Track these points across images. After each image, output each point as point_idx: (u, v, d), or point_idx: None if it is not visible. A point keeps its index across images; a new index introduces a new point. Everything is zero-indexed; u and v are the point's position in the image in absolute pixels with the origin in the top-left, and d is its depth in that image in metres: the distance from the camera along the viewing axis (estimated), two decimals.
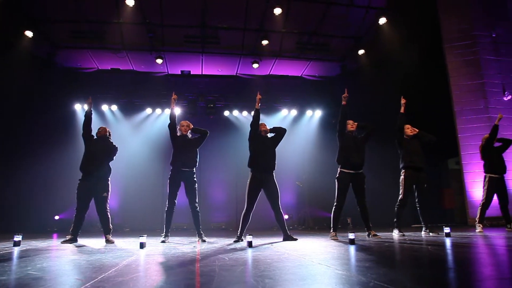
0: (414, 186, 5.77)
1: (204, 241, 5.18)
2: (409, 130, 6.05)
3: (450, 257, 3.03)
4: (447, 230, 4.81)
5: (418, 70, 9.25)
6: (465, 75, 8.88)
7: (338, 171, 5.40)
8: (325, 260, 2.84)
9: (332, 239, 5.04)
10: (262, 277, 2.11)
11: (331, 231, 5.31)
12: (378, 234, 5.37)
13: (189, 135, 5.68)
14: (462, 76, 8.91)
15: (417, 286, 1.83)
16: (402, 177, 5.77)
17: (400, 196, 5.72)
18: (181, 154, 5.39)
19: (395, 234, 5.58)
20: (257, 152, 5.31)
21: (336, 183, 5.36)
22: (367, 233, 5.38)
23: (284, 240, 5.11)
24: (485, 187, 6.29)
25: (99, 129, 5.61)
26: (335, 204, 5.34)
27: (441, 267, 2.48)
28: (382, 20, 8.54)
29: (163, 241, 5.04)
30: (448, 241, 4.27)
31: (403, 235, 5.38)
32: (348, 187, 5.36)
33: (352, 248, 3.76)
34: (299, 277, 2.11)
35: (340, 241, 4.82)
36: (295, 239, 5.11)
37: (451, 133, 8.84)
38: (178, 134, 5.58)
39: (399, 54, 9.16)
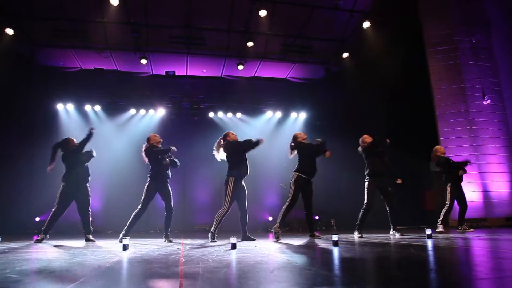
0: (378, 191, 6.05)
1: (170, 241, 5.55)
2: (368, 139, 6.34)
3: (431, 258, 3.09)
4: (428, 231, 4.90)
5: (401, 73, 9.40)
6: (446, 79, 9.08)
7: (296, 175, 5.77)
8: (309, 262, 2.86)
9: (274, 232, 5.55)
10: (246, 279, 2.11)
11: (277, 226, 5.63)
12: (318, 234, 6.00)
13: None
14: (443, 80, 9.10)
15: (398, 287, 1.86)
16: (366, 183, 6.03)
17: (366, 201, 5.95)
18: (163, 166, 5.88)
19: (356, 236, 5.76)
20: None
21: (293, 185, 5.74)
22: (309, 234, 5.91)
23: (243, 240, 5.50)
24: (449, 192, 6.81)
25: (69, 141, 5.96)
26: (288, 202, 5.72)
27: (422, 268, 2.53)
28: (366, 24, 8.65)
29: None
30: (429, 242, 4.35)
31: (362, 237, 5.61)
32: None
33: (335, 250, 3.79)
34: (283, 279, 2.12)
35: (324, 243, 4.86)
36: (254, 239, 5.51)
37: (433, 136, 9.01)
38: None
39: (383, 58, 9.31)
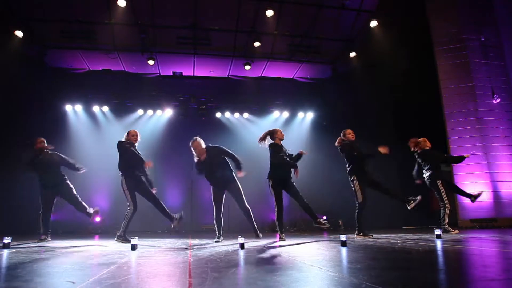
0: (368, 186, 5.91)
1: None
2: (351, 135, 6.14)
3: (440, 258, 3.07)
4: (437, 231, 4.85)
5: (409, 72, 9.34)
6: (455, 78, 9.00)
7: (271, 182, 5.87)
8: (317, 262, 2.85)
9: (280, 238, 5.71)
10: (255, 279, 2.11)
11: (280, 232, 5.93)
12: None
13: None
14: (452, 79, 9.03)
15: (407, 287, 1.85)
16: (355, 182, 5.82)
17: (359, 200, 5.81)
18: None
19: (359, 237, 5.68)
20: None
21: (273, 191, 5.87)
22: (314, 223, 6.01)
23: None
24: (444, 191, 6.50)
25: (41, 145, 6.23)
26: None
27: (432, 268, 2.51)
28: (373, 23, 8.61)
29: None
30: (439, 243, 4.31)
31: (372, 237, 5.58)
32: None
33: (344, 250, 3.78)
34: (291, 279, 2.12)
35: (332, 243, 4.84)
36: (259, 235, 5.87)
37: (441, 136, 8.93)
38: (127, 145, 6.02)
39: (390, 57, 9.25)
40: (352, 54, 9.65)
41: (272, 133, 6.03)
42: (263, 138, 6.04)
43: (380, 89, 9.97)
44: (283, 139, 6.07)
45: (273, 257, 3.30)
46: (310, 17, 8.61)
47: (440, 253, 3.43)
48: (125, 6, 7.70)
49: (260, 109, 11.07)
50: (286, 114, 11.17)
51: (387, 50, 9.12)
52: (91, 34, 8.70)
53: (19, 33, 8.05)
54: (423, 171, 6.54)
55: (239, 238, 4.22)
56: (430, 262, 2.80)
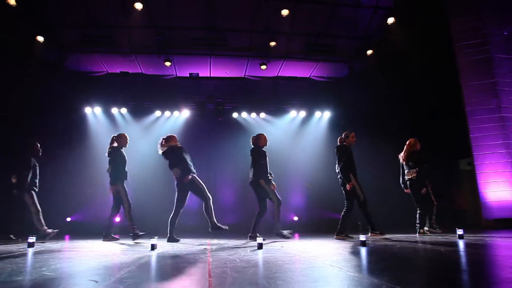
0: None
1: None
2: (354, 140, 6.17)
3: (463, 259, 3.00)
4: (460, 231, 4.76)
5: (428, 69, 9.16)
6: (476, 74, 8.77)
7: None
8: (337, 262, 2.83)
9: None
10: (274, 279, 2.11)
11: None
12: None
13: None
14: (473, 75, 8.80)
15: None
16: (354, 181, 5.82)
17: (362, 198, 5.79)
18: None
19: (374, 236, 5.68)
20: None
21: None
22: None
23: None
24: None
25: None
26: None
27: (455, 269, 2.46)
28: (390, 20, 8.47)
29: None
30: (461, 243, 4.22)
31: (383, 234, 5.72)
32: None
33: (363, 250, 3.74)
34: (311, 279, 2.11)
35: (351, 243, 4.79)
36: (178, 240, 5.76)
37: (462, 133, 8.73)
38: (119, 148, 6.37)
39: (408, 54, 9.08)
40: (369, 52, 9.52)
41: (257, 139, 6.42)
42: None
43: (398, 87, 9.81)
44: (266, 145, 6.41)
45: (292, 257, 3.28)
46: (325, 15, 8.52)
47: (462, 253, 3.36)
48: (141, 9, 7.79)
49: (276, 108, 11.03)
50: (303, 113, 11.11)
51: (405, 47, 8.96)
52: (109, 38, 8.83)
53: (40, 38, 8.25)
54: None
55: (257, 238, 4.22)
56: (452, 263, 2.75)
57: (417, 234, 6.10)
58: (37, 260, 3.31)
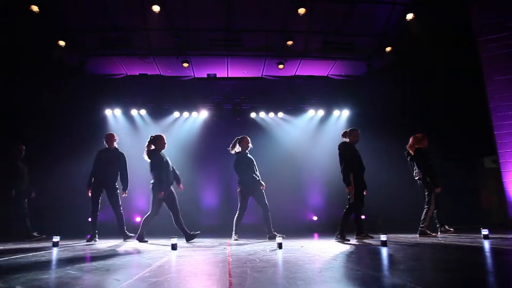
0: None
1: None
2: (357, 138, 5.94)
3: (489, 260, 2.92)
4: (485, 231, 4.63)
5: (449, 65, 8.94)
6: (500, 69, 8.50)
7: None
8: (358, 262, 2.79)
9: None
10: (295, 279, 2.09)
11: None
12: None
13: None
14: (496, 70, 8.53)
15: None
16: (352, 180, 5.62)
17: (351, 201, 5.65)
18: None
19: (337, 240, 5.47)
20: None
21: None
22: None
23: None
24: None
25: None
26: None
27: (480, 269, 2.39)
28: (409, 16, 8.31)
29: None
30: (486, 243, 4.10)
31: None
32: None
33: (384, 250, 3.68)
34: (332, 279, 2.08)
35: (371, 243, 4.73)
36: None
37: (486, 131, 8.49)
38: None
39: (428, 50, 8.89)
40: (388, 49, 9.36)
41: (240, 142, 6.60)
42: (233, 146, 6.65)
43: (418, 84, 9.62)
44: (247, 148, 6.55)
45: (312, 257, 3.26)
46: (343, 12, 8.42)
47: (488, 253, 3.27)
48: (159, 11, 7.88)
49: (294, 108, 10.99)
50: (321, 112, 11.02)
51: (425, 43, 8.77)
52: (128, 41, 8.96)
53: (62, 43, 8.45)
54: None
55: (277, 237, 4.21)
56: (477, 263, 2.67)
57: (439, 233, 5.96)
58: (62, 259, 3.39)
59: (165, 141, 6.09)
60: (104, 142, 6.59)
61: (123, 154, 6.57)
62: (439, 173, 6.28)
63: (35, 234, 6.63)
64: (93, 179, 6.27)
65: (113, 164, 6.40)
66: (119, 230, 6.28)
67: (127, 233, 6.21)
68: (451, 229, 6.02)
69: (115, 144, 6.60)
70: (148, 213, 5.80)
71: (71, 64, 9.46)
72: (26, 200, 6.94)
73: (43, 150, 9.17)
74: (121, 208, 6.42)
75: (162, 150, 6.01)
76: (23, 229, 6.70)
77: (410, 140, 6.50)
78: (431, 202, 6.02)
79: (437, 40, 8.77)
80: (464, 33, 8.88)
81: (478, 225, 6.35)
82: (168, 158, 6.03)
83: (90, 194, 6.20)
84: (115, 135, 6.70)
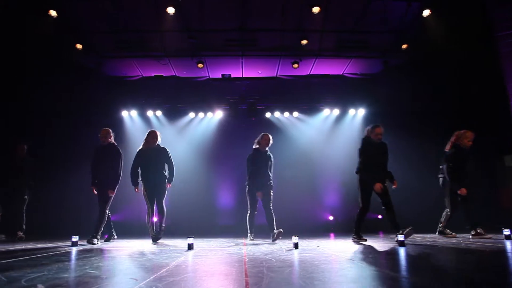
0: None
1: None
2: (379, 136, 5.64)
3: (511, 261, 2.85)
4: (507, 232, 4.51)
5: (468, 63, 8.76)
6: None
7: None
8: (374, 262, 2.76)
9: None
10: (311, 279, 2.08)
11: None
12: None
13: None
14: None
15: None
16: (359, 180, 5.71)
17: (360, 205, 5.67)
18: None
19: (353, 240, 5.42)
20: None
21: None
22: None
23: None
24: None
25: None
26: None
27: (500, 271, 2.33)
28: (426, 12, 8.17)
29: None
30: (508, 244, 4.01)
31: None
32: None
33: (402, 250, 3.63)
34: (349, 279, 2.07)
35: (388, 243, 4.67)
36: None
37: (506, 129, 8.28)
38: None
39: (445, 47, 8.72)
40: (404, 46, 9.22)
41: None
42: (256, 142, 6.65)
43: (436, 81, 9.44)
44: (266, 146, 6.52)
45: (329, 257, 3.24)
46: (358, 10, 8.32)
47: (510, 255, 3.19)
48: (174, 13, 7.95)
49: (309, 107, 10.93)
50: (336, 111, 10.93)
51: (442, 40, 8.60)
52: (144, 43, 9.07)
53: (79, 46, 8.61)
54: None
55: (293, 237, 4.20)
56: (497, 265, 2.61)
57: (471, 236, 5.60)
58: (81, 258, 3.45)
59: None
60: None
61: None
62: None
63: (20, 233, 6.93)
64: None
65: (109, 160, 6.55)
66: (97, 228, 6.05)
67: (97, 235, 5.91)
68: (483, 232, 5.62)
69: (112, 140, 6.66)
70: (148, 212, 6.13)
71: (88, 66, 9.65)
72: (22, 199, 7.19)
73: (59, 151, 9.42)
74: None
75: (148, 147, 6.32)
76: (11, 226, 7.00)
77: (452, 137, 6.27)
78: (448, 204, 5.96)
79: (455, 37, 8.59)
80: (482, 29, 8.68)
81: (498, 224, 6.20)
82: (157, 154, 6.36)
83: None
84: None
